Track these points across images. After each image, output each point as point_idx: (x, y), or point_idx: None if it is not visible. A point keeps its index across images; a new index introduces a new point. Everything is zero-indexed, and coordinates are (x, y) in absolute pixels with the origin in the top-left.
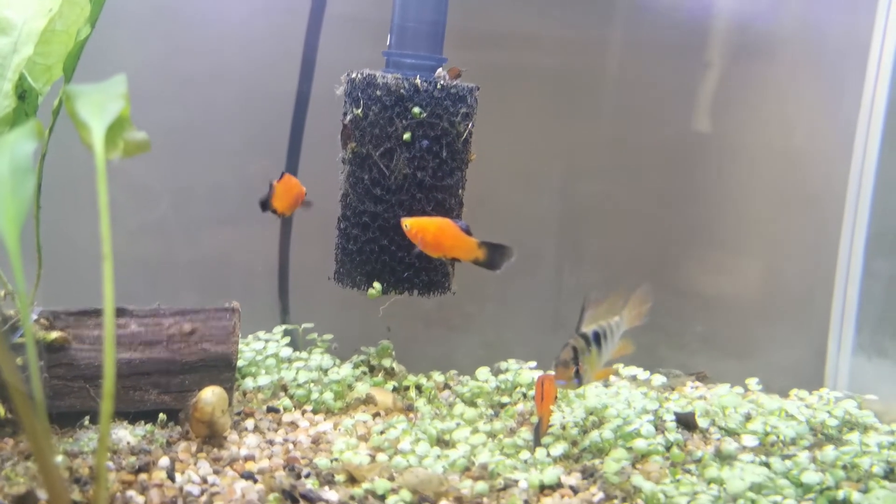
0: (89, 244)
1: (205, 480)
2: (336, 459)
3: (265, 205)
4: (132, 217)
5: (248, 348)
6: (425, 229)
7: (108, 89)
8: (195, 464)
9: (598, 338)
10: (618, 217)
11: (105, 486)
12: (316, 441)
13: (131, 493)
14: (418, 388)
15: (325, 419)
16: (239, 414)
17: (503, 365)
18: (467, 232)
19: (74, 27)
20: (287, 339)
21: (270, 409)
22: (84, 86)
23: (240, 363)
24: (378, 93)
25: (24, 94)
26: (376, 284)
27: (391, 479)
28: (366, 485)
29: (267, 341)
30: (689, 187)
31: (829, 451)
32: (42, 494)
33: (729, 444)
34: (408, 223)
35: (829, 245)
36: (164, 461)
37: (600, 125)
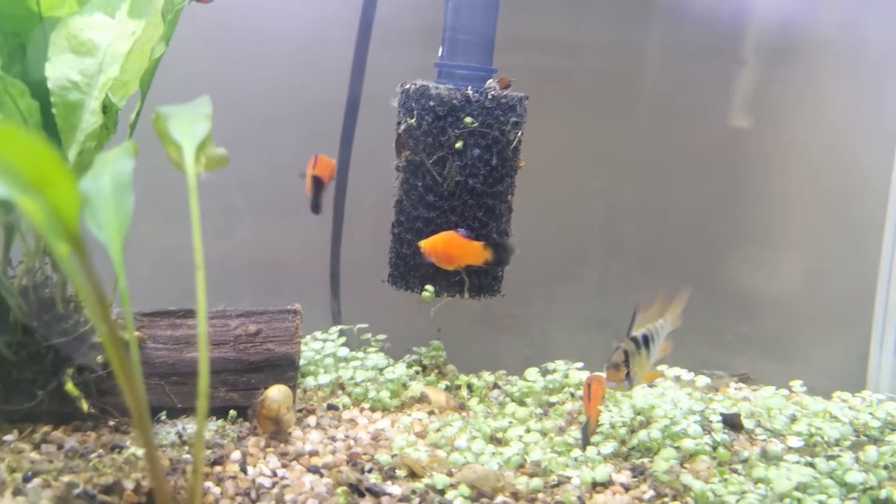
0: (154, 249)
1: (275, 474)
2: (396, 455)
3: (317, 194)
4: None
5: (308, 348)
6: (435, 246)
7: (196, 110)
8: (264, 458)
9: (646, 341)
10: (660, 219)
11: (200, 476)
12: (375, 438)
13: (208, 483)
14: (469, 387)
15: (382, 417)
16: (301, 411)
17: (551, 365)
18: (472, 238)
19: (149, 45)
20: (343, 339)
21: (330, 407)
22: (173, 107)
23: (300, 363)
24: (431, 103)
25: (105, 108)
26: (429, 287)
27: (450, 474)
28: (426, 480)
29: (325, 342)
30: (731, 189)
31: (871, 452)
32: (128, 485)
33: (775, 445)
34: (421, 245)
35: (871, 246)
36: (236, 455)
37: (641, 128)
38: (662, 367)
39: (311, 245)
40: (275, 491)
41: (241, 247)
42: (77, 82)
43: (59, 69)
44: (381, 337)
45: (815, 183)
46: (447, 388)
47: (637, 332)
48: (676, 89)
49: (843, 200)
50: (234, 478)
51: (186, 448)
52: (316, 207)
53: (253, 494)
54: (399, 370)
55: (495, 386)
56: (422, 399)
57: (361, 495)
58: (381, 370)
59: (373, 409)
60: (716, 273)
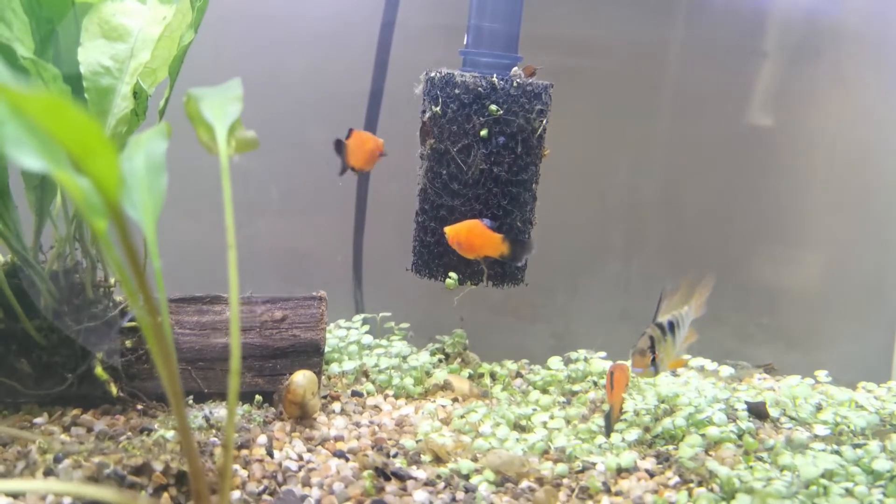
0: (182, 236)
1: (301, 457)
2: (421, 440)
3: (343, 166)
4: (218, 210)
5: (332, 336)
6: (459, 233)
7: (227, 93)
8: (290, 442)
9: (672, 327)
10: (683, 210)
11: (231, 455)
12: (400, 424)
13: (235, 466)
14: (492, 375)
15: (406, 403)
16: (325, 398)
17: (573, 355)
18: (495, 229)
19: (178, 32)
20: (367, 327)
21: (355, 394)
22: (205, 88)
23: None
24: (456, 91)
25: (135, 94)
26: (452, 275)
27: (475, 459)
28: (451, 464)
29: (349, 329)
30: (755, 182)
31: None
32: (157, 466)
33: (800, 433)
34: (446, 231)
35: None
36: (262, 439)
37: (664, 122)
38: (686, 357)
39: (334, 234)
40: (301, 474)
41: (264, 236)
42: (109, 67)
43: (91, 54)
44: (404, 325)
45: (839, 176)
46: (470, 377)
47: (664, 319)
48: (700, 84)
49: (868, 193)
50: (260, 461)
51: (214, 431)
52: (343, 167)
53: (279, 477)
54: (422, 358)
55: (518, 375)
56: (445, 387)
57: (387, 479)
58: (404, 358)
59: (396, 396)
60: (740, 265)
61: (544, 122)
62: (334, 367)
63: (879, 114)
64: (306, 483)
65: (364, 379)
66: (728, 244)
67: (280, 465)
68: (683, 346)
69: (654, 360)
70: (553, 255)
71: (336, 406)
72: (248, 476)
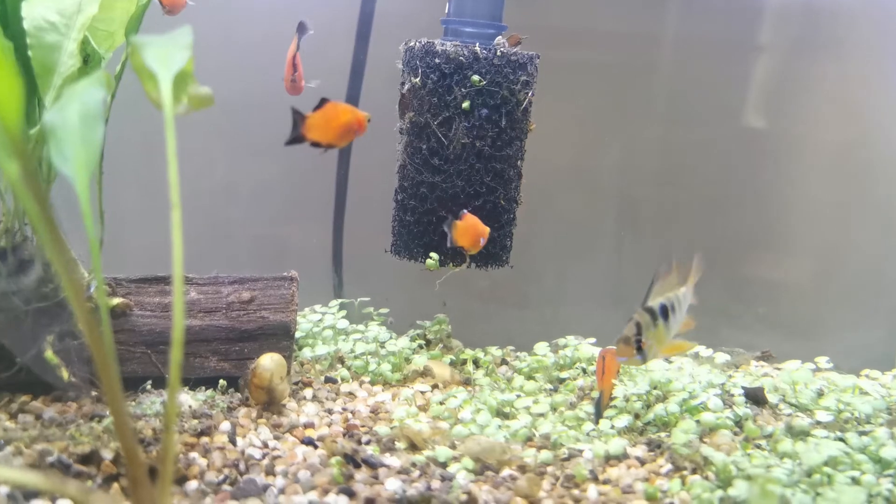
0: (151, 212)
1: (266, 445)
2: (396, 427)
3: (293, 137)
4: (188, 189)
5: (305, 320)
6: (472, 234)
7: (175, 40)
8: (255, 429)
9: (665, 311)
10: (678, 194)
11: (172, 437)
12: (375, 410)
13: (194, 454)
14: (475, 362)
15: (382, 390)
16: (297, 384)
17: (562, 341)
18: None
19: None
20: (343, 313)
21: (328, 380)
22: (150, 37)
23: (297, 334)
24: (437, 60)
25: (87, 58)
26: (433, 255)
27: (453, 447)
28: (427, 452)
29: (324, 314)
30: (753, 167)
31: None
32: (107, 454)
33: (801, 420)
34: (461, 243)
35: None
36: (226, 426)
37: (660, 103)
38: (690, 342)
39: (313, 215)
40: (265, 462)
41: (240, 218)
42: (54, 23)
43: (35, 9)
44: (383, 310)
45: (841, 159)
46: (452, 363)
47: (655, 302)
48: (698, 69)
49: (871, 176)
50: (221, 449)
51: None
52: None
53: (242, 466)
54: (401, 343)
55: (503, 362)
56: (425, 373)
57: (357, 466)
58: (382, 343)
59: (373, 383)
60: (736, 252)
61: (530, 94)
62: (306, 352)
63: (881, 97)
64: (270, 471)
65: (339, 365)
66: (725, 230)
67: (243, 452)
68: (681, 332)
69: (639, 347)
70: (541, 237)
71: (307, 392)
72: (208, 465)
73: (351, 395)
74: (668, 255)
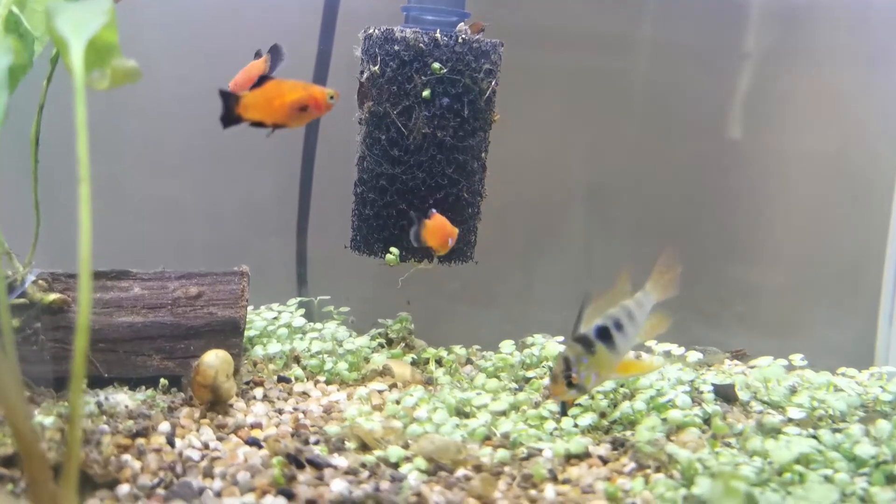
0: (95, 207)
1: (206, 446)
2: (347, 426)
3: (225, 116)
4: (143, 187)
5: (260, 318)
6: (442, 234)
7: (91, 6)
8: (197, 430)
9: (604, 333)
10: (651, 190)
11: (77, 433)
12: (328, 410)
13: (127, 457)
14: (438, 361)
15: (338, 390)
16: (248, 384)
17: (529, 339)
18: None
19: None
20: (302, 311)
21: (281, 379)
22: (66, 2)
23: (251, 332)
24: (396, 48)
25: (20, 36)
26: (393, 250)
27: (406, 446)
28: (378, 452)
29: (280, 312)
30: (728, 164)
31: (883, 425)
32: None
33: (773, 417)
34: (434, 247)
35: (879, 219)
36: (165, 426)
37: (635, 98)
38: (650, 343)
39: (275, 213)
40: (203, 464)
41: (199, 215)
42: None
43: None
44: (344, 309)
45: (818, 156)
46: (414, 363)
47: (591, 326)
48: (672, 64)
49: (849, 173)
50: (158, 451)
51: (105, 418)
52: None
53: (178, 468)
54: (360, 341)
55: (468, 361)
56: (384, 372)
57: (301, 467)
58: (340, 342)
59: (328, 383)
60: (711, 251)
61: (493, 83)
62: (258, 351)
63: (859, 90)
64: (208, 474)
65: (295, 365)
66: (700, 229)
67: (180, 454)
68: (653, 335)
69: (570, 383)
70: (509, 233)
71: (258, 392)
72: (142, 468)
73: (304, 394)
74: (638, 257)
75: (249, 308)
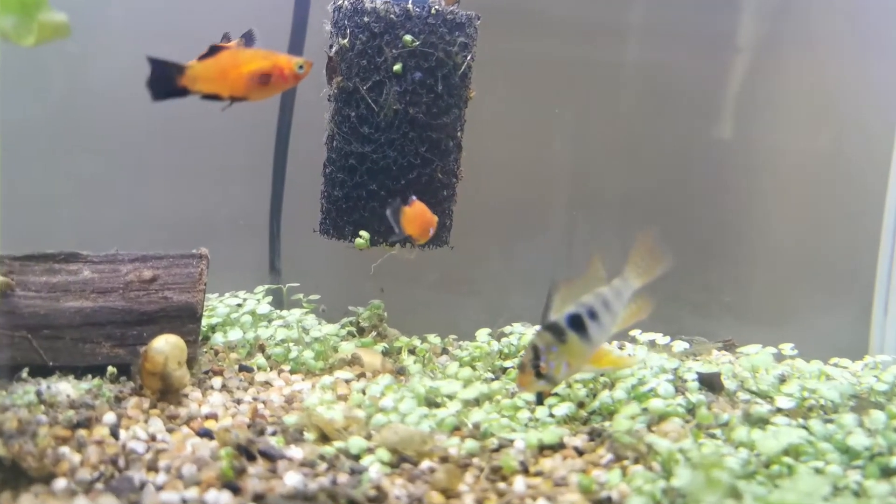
0: (41, 189)
1: (153, 438)
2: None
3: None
4: (105, 170)
5: (223, 304)
6: (422, 222)
7: None
8: (145, 421)
9: (576, 321)
10: (636, 172)
11: None
12: (290, 400)
13: (65, 449)
14: (412, 351)
15: (303, 379)
16: (207, 373)
17: (507, 328)
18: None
19: None
20: (269, 298)
21: (243, 368)
22: None
23: (214, 320)
24: (366, 19)
25: None
26: (363, 234)
27: (368, 437)
28: (338, 443)
29: (245, 299)
30: (718, 140)
31: (878, 416)
32: None
33: (760, 407)
34: (413, 235)
35: (873, 207)
36: (110, 417)
37: (626, 72)
38: (635, 332)
39: (247, 199)
40: (147, 457)
41: (167, 197)
42: None
43: None
44: (314, 297)
45: (813, 141)
46: (385, 352)
47: (562, 314)
48: (658, 43)
49: (844, 159)
50: (100, 443)
51: (43, 408)
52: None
53: (121, 461)
54: (327, 329)
55: (444, 351)
56: (353, 362)
57: (252, 459)
58: (307, 331)
59: (293, 372)
60: (702, 237)
61: (469, 57)
62: (218, 337)
63: (853, 80)
64: (152, 467)
65: (259, 354)
66: (688, 214)
67: (123, 447)
68: (632, 322)
69: (539, 373)
70: (487, 217)
71: (216, 381)
72: (82, 461)
73: (267, 384)
74: (622, 240)
75: (213, 295)
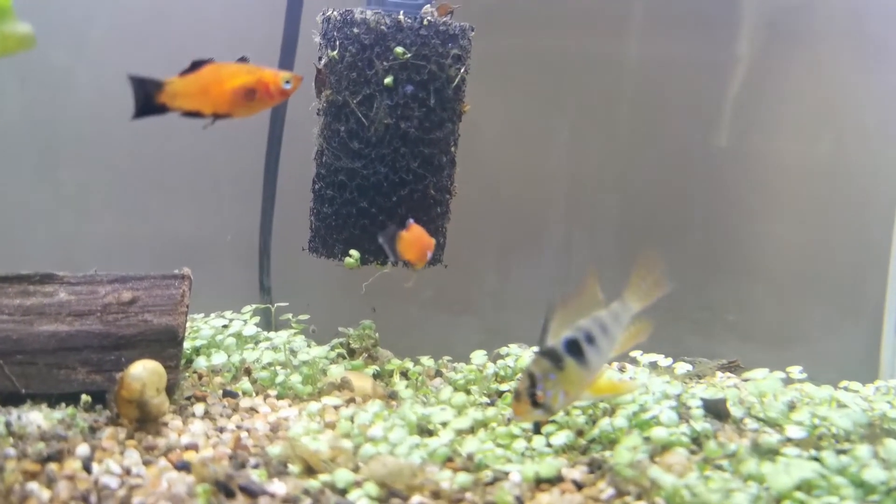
0: (18, 206)
1: (128, 472)
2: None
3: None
4: (91, 185)
5: (208, 326)
6: (420, 246)
7: None
8: (121, 452)
9: (573, 346)
10: (636, 188)
11: None
12: (275, 428)
13: (33, 485)
14: (404, 373)
15: (290, 405)
16: (189, 399)
17: (503, 349)
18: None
19: None
20: (256, 319)
21: (227, 394)
22: None
23: (197, 342)
24: (355, 31)
25: None
26: (353, 253)
27: (356, 469)
28: (323, 476)
29: (231, 320)
30: (722, 153)
31: (893, 445)
32: None
33: (769, 436)
34: (410, 261)
35: (882, 222)
36: (83, 449)
37: (626, 85)
38: (635, 353)
39: (238, 217)
40: (121, 493)
41: (157, 216)
42: None
43: None
44: (303, 317)
45: (817, 153)
46: (377, 375)
47: (559, 338)
48: (658, 47)
49: (852, 173)
50: (71, 478)
51: (11, 440)
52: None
53: (92, 498)
54: (315, 351)
55: (437, 374)
56: (343, 386)
57: (231, 495)
58: (295, 353)
59: (280, 397)
60: (701, 255)
61: (462, 70)
62: (201, 361)
63: (859, 101)
64: None
65: (245, 378)
66: (690, 230)
67: (96, 482)
68: (631, 345)
69: (535, 402)
70: (482, 234)
71: (199, 408)
72: (52, 498)
73: (252, 410)
74: (621, 258)
75: (198, 316)
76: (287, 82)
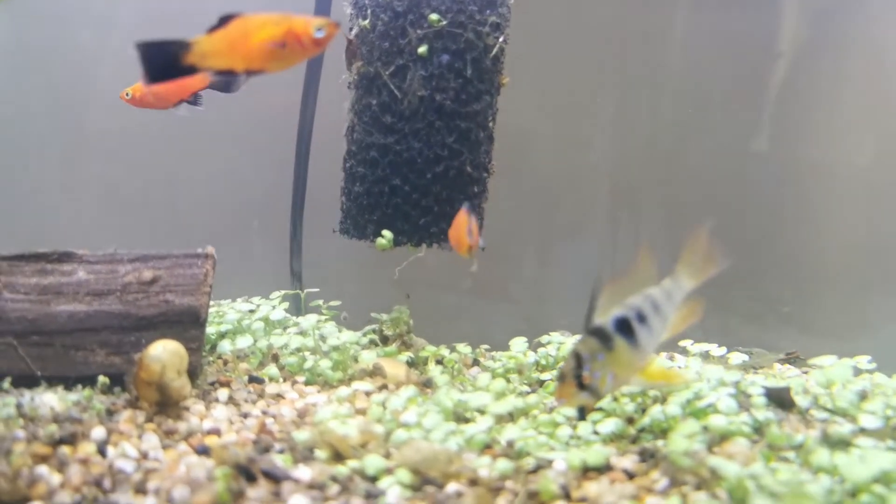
0: (34, 188)
1: (145, 456)
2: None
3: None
4: (116, 167)
5: (234, 310)
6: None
7: None
8: (139, 436)
9: (624, 325)
10: (684, 170)
11: None
12: (302, 414)
13: (43, 469)
14: (439, 361)
15: (319, 392)
16: (212, 384)
17: (545, 338)
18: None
19: None
20: (285, 305)
21: (253, 380)
22: None
23: (223, 327)
24: None
25: None
26: (386, 233)
27: (387, 455)
28: (352, 462)
29: (259, 305)
30: (776, 141)
31: None
32: None
33: (840, 427)
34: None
35: None
36: (99, 432)
37: (675, 60)
38: (685, 343)
39: (269, 198)
40: (136, 477)
41: (187, 199)
42: None
43: None
44: (334, 303)
45: (886, 137)
46: (410, 362)
47: (609, 316)
48: (709, 35)
49: None
50: (84, 461)
51: (22, 422)
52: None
53: (106, 483)
54: (346, 336)
55: (475, 362)
56: (375, 372)
57: (252, 480)
58: (325, 339)
59: (308, 383)
60: (758, 241)
61: (501, 38)
62: (225, 345)
63: None
64: (140, 489)
65: (272, 363)
66: (742, 216)
67: (111, 466)
68: (682, 329)
69: (581, 384)
70: (523, 216)
71: (222, 393)
72: (62, 482)
73: (278, 396)
74: (669, 241)
75: (226, 301)
76: (319, 30)
